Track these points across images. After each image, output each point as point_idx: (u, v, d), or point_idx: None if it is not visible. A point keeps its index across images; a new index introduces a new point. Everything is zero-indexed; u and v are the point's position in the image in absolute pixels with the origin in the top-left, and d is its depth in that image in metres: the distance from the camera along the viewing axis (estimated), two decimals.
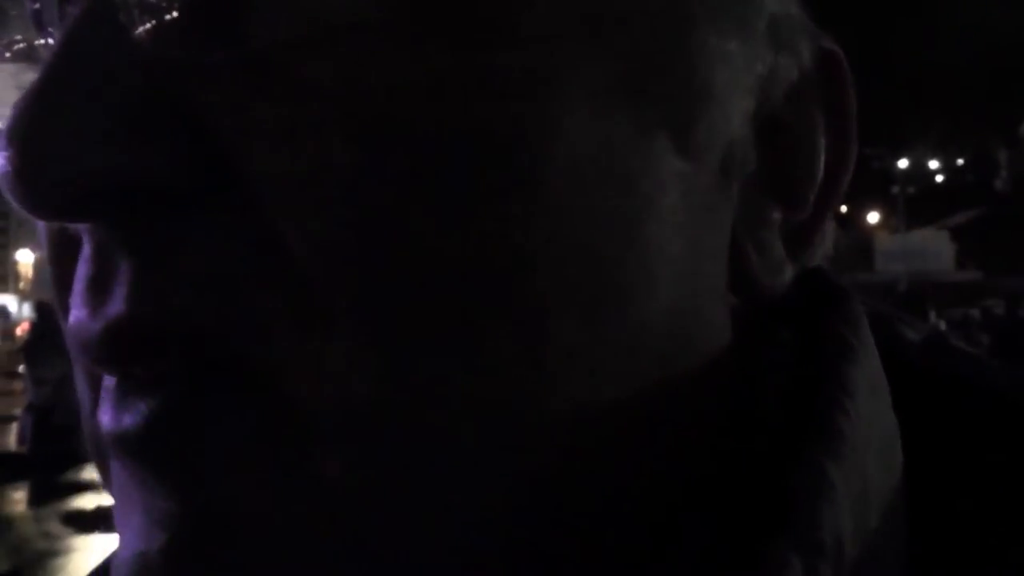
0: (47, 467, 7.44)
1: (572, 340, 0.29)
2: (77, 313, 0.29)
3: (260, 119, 0.27)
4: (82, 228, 0.29)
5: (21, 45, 0.34)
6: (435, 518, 0.29)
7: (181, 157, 0.27)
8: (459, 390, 0.28)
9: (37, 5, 0.32)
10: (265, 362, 0.28)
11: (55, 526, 6.14)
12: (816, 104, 0.35)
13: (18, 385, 9.52)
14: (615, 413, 0.30)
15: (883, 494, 0.33)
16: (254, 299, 0.27)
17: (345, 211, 0.27)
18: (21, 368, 9.52)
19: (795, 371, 0.35)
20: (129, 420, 0.28)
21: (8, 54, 0.34)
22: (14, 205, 0.28)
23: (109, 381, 0.29)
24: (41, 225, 0.32)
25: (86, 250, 0.29)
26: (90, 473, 7.02)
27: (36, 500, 6.86)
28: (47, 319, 8.49)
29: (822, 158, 0.35)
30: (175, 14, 0.28)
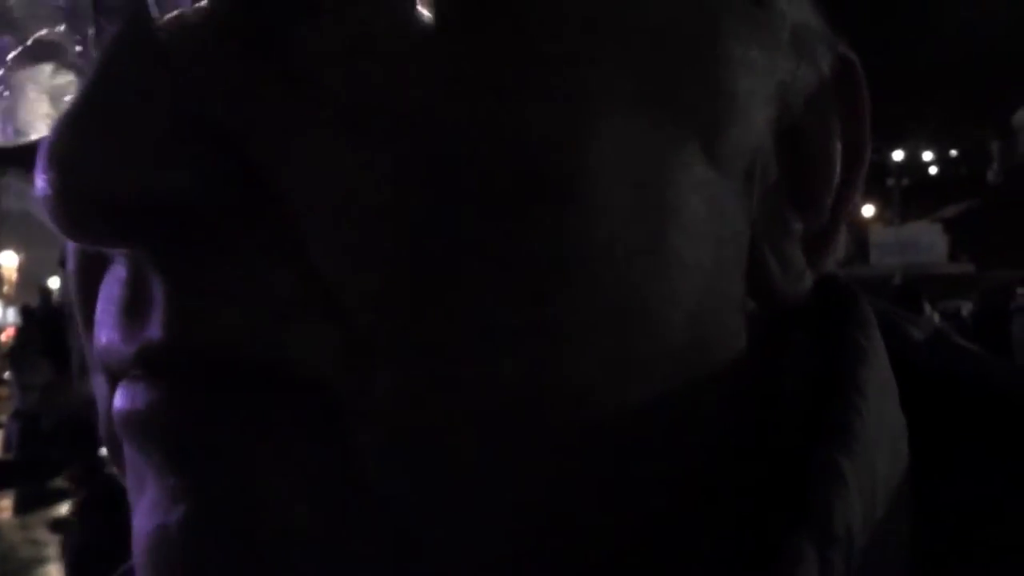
0: (34, 474, 7.40)
1: (600, 348, 0.30)
2: (109, 334, 0.29)
3: (298, 141, 0.28)
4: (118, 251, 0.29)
5: (42, 34, 0.33)
6: (468, 526, 0.30)
7: (220, 180, 0.28)
8: (495, 402, 0.29)
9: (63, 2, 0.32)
10: (306, 379, 0.28)
11: (42, 533, 6.10)
12: (833, 110, 0.35)
13: (4, 391, 9.44)
14: (637, 417, 0.31)
15: (890, 487, 0.34)
16: (294, 324, 0.28)
17: (383, 233, 0.28)
18: (7, 374, 9.47)
19: (808, 372, 0.36)
20: (141, 401, 0.29)
21: (22, 48, 0.34)
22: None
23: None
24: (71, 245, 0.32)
25: (119, 271, 0.30)
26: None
27: (23, 507, 6.81)
28: (33, 324, 8.45)
29: (839, 164, 0.35)
30: (214, 34, 0.28)
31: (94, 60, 0.29)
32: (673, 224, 0.31)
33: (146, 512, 0.30)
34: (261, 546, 0.29)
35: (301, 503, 0.29)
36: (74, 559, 4.35)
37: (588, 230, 0.29)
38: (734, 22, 0.33)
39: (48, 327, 7.96)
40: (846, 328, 0.37)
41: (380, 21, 0.28)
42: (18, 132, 0.34)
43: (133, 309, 0.29)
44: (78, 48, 0.33)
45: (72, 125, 0.27)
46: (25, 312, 8.69)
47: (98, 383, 0.32)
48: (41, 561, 5.58)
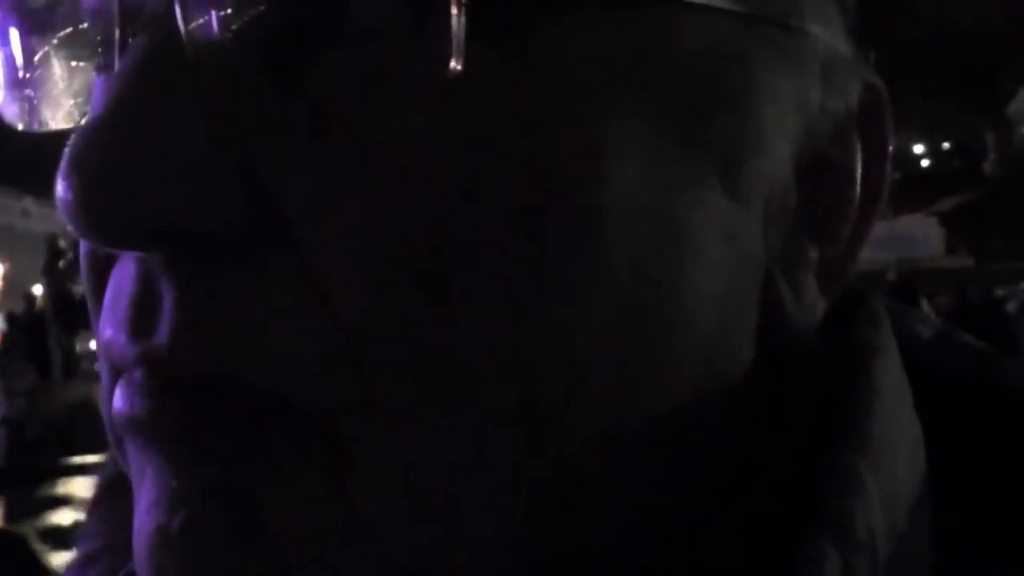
0: (22, 482, 7.33)
1: (607, 376, 0.30)
2: (114, 329, 0.30)
3: (314, 171, 0.28)
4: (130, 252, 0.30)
5: (93, 46, 0.33)
6: (462, 549, 0.30)
7: (237, 206, 0.28)
8: (500, 427, 0.29)
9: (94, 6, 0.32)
10: (307, 401, 0.28)
11: (32, 543, 6.02)
12: (857, 141, 0.35)
13: None
14: (644, 439, 0.31)
15: (912, 495, 0.34)
16: (299, 349, 0.28)
17: (394, 267, 0.28)
18: None
19: (822, 373, 0.35)
20: (138, 403, 0.29)
21: (72, 48, 0.34)
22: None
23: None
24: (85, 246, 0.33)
25: (130, 268, 0.30)
26: (66, 487, 6.92)
27: (11, 516, 6.73)
28: (18, 330, 8.39)
29: (859, 195, 0.35)
30: (240, 61, 0.28)
31: (118, 67, 0.29)
32: (690, 255, 0.31)
33: (147, 511, 0.30)
34: (256, 553, 0.29)
35: (294, 518, 0.29)
36: None
37: (603, 262, 0.29)
38: (762, 53, 0.32)
39: (32, 333, 7.90)
40: (858, 327, 0.36)
41: (400, 59, 0.28)
42: (39, 124, 0.35)
43: (140, 308, 0.30)
44: (100, 48, 0.32)
45: (97, 134, 0.28)
46: (10, 319, 8.64)
47: (102, 372, 0.33)
48: None
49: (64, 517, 6.56)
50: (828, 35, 0.34)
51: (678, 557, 0.33)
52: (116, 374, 0.31)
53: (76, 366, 8.09)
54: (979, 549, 0.35)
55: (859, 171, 0.35)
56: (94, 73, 0.33)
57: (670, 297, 0.31)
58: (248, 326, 0.28)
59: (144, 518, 0.30)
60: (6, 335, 8.68)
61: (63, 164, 0.28)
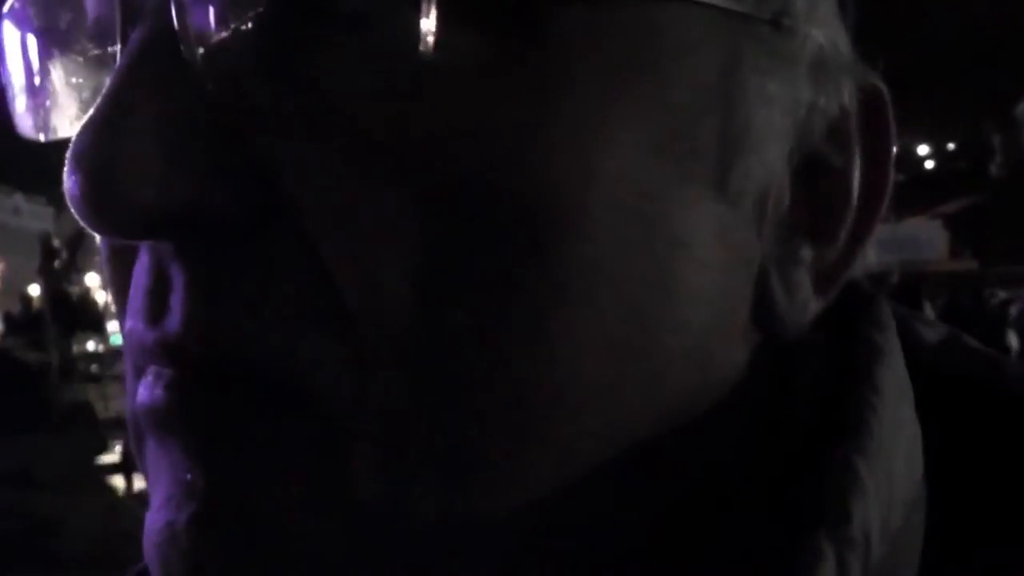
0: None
1: (599, 375, 0.30)
2: (133, 322, 0.31)
3: (319, 164, 0.29)
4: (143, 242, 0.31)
5: (96, 52, 0.34)
6: (460, 542, 0.30)
7: (242, 194, 0.29)
8: (491, 422, 0.29)
9: (97, 15, 0.33)
10: (310, 389, 0.29)
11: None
12: (855, 141, 0.35)
13: None
14: (640, 433, 0.32)
15: (906, 495, 0.34)
16: (303, 334, 0.29)
17: (395, 256, 0.29)
18: None
19: (827, 373, 0.36)
20: (159, 393, 0.30)
21: (83, 59, 0.34)
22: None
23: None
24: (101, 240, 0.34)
25: (144, 260, 0.31)
26: None
27: None
28: (14, 330, 8.33)
29: (856, 195, 0.35)
30: (243, 56, 0.29)
31: (118, 63, 0.30)
32: (679, 255, 0.31)
33: (158, 508, 0.31)
34: (260, 550, 0.30)
35: (297, 513, 0.29)
36: None
37: (592, 261, 0.30)
38: (753, 53, 0.32)
39: (29, 333, 7.85)
40: (863, 327, 0.37)
41: (386, 47, 0.28)
42: (49, 132, 0.35)
43: (154, 296, 0.30)
44: (102, 51, 0.33)
45: (99, 128, 0.28)
46: (6, 319, 8.59)
47: (127, 369, 0.33)
48: None
49: None
50: (821, 35, 0.34)
51: (680, 552, 0.33)
52: (139, 372, 0.32)
53: (74, 368, 8.02)
54: (972, 550, 0.35)
55: (857, 172, 0.35)
56: (100, 75, 0.34)
57: (660, 295, 0.31)
58: (254, 309, 0.29)
59: (155, 515, 0.31)
60: (2, 336, 8.64)
61: (68, 160, 0.28)
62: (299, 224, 0.29)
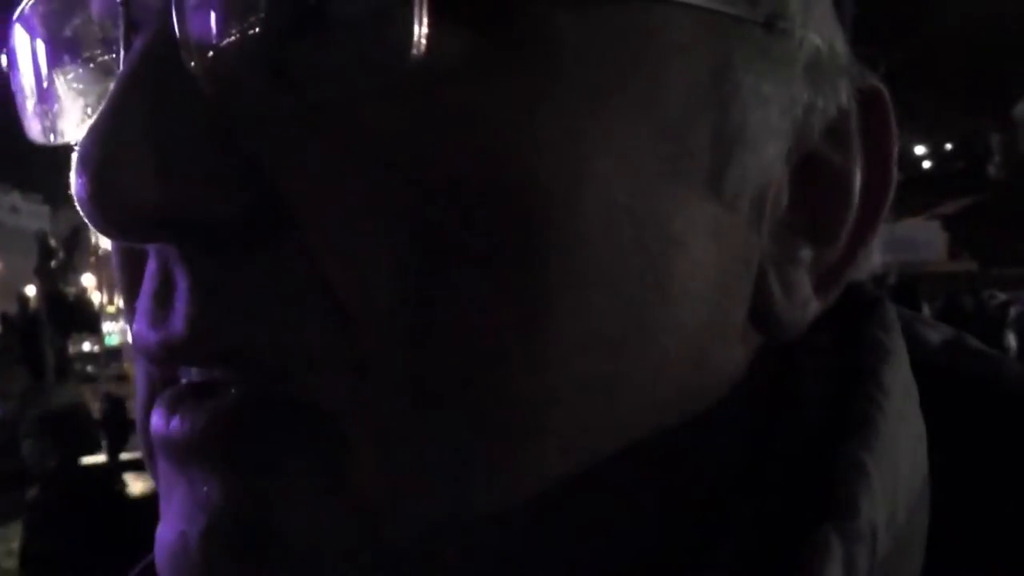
0: (14, 484, 7.28)
1: (595, 374, 0.30)
2: (139, 324, 0.32)
3: (314, 167, 0.29)
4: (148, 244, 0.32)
5: (103, 59, 0.35)
6: (466, 538, 0.30)
7: (240, 197, 0.29)
8: (487, 422, 0.30)
9: (104, 27, 0.34)
10: (309, 392, 0.30)
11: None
12: (855, 141, 0.35)
13: None
14: (644, 429, 0.32)
15: (911, 492, 0.34)
16: (301, 336, 0.29)
17: (390, 257, 0.29)
18: None
19: (832, 373, 0.36)
20: (175, 425, 0.31)
21: (91, 66, 0.35)
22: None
23: (163, 388, 0.32)
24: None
25: (151, 263, 0.32)
26: None
27: (3, 518, 6.68)
28: (11, 331, 8.33)
29: (857, 195, 0.35)
30: (242, 61, 0.29)
31: (121, 68, 0.30)
32: (674, 255, 0.31)
33: (171, 520, 0.31)
34: (269, 561, 0.30)
35: (301, 518, 0.30)
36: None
37: (584, 260, 0.30)
38: (747, 54, 0.32)
39: (25, 335, 7.84)
40: (868, 328, 0.37)
41: (378, 48, 0.28)
42: (56, 136, 0.36)
43: (159, 298, 0.31)
44: (108, 57, 0.34)
45: (102, 134, 0.29)
46: (3, 320, 8.56)
47: (138, 373, 0.34)
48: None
49: None
50: (817, 37, 0.34)
51: (685, 549, 0.33)
52: (153, 386, 0.33)
53: (69, 368, 8.03)
54: (976, 548, 0.36)
55: (858, 173, 0.35)
56: (106, 80, 0.35)
57: (654, 294, 0.31)
58: (254, 309, 0.30)
59: (167, 527, 0.32)
60: (0, 337, 8.62)
61: (75, 163, 0.29)
62: (296, 226, 0.29)
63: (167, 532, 0.31)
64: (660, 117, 0.31)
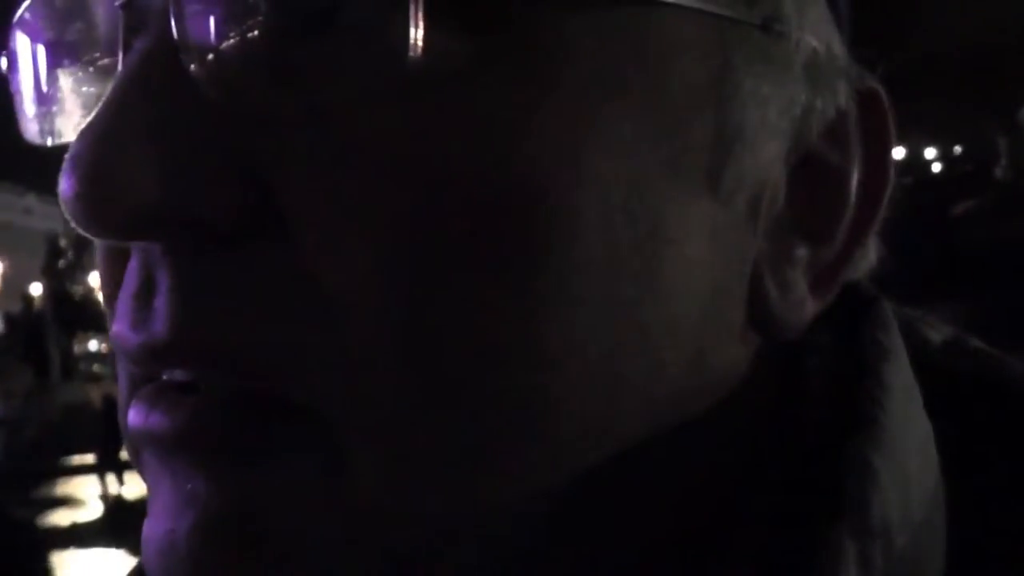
0: (19, 483, 7.30)
1: (592, 373, 0.30)
2: (119, 325, 0.31)
3: (311, 169, 0.29)
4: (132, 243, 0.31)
5: (104, 62, 0.35)
6: (462, 539, 0.30)
7: (233, 199, 0.29)
8: (483, 422, 0.29)
9: (106, 29, 0.34)
10: (298, 390, 0.29)
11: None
12: (853, 142, 0.35)
13: None
14: (642, 428, 0.32)
15: (924, 489, 0.34)
16: (289, 335, 0.29)
17: (384, 259, 0.29)
18: None
19: (833, 374, 0.36)
20: (155, 420, 0.31)
21: (92, 69, 0.35)
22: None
23: (144, 385, 0.32)
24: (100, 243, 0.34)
25: (132, 263, 0.31)
26: (64, 488, 6.91)
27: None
28: (16, 331, 8.34)
29: (853, 195, 0.35)
30: (234, 62, 0.29)
31: (119, 70, 0.30)
32: (669, 254, 0.31)
33: (158, 516, 0.31)
34: (259, 556, 0.30)
35: (295, 517, 0.30)
36: None
37: (581, 260, 0.30)
38: (745, 56, 0.32)
39: (30, 334, 7.86)
40: (867, 328, 0.37)
41: (376, 51, 0.28)
42: (54, 137, 0.36)
43: (140, 300, 0.31)
44: (109, 60, 0.34)
45: (97, 133, 0.29)
46: (7, 319, 8.58)
47: (120, 373, 0.34)
48: (29, 572, 5.45)
49: (62, 518, 6.53)
50: (814, 39, 0.34)
51: (693, 550, 0.33)
52: (134, 384, 0.33)
53: (74, 367, 8.04)
54: (990, 545, 0.36)
55: (855, 173, 0.35)
56: (106, 83, 0.34)
57: (650, 294, 0.31)
58: (241, 312, 0.29)
59: (154, 522, 0.31)
60: (3, 336, 8.64)
61: (65, 163, 0.29)
62: (288, 228, 0.29)
63: (154, 528, 0.31)
64: (659, 118, 0.31)
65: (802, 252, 0.35)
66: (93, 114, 0.30)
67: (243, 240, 0.29)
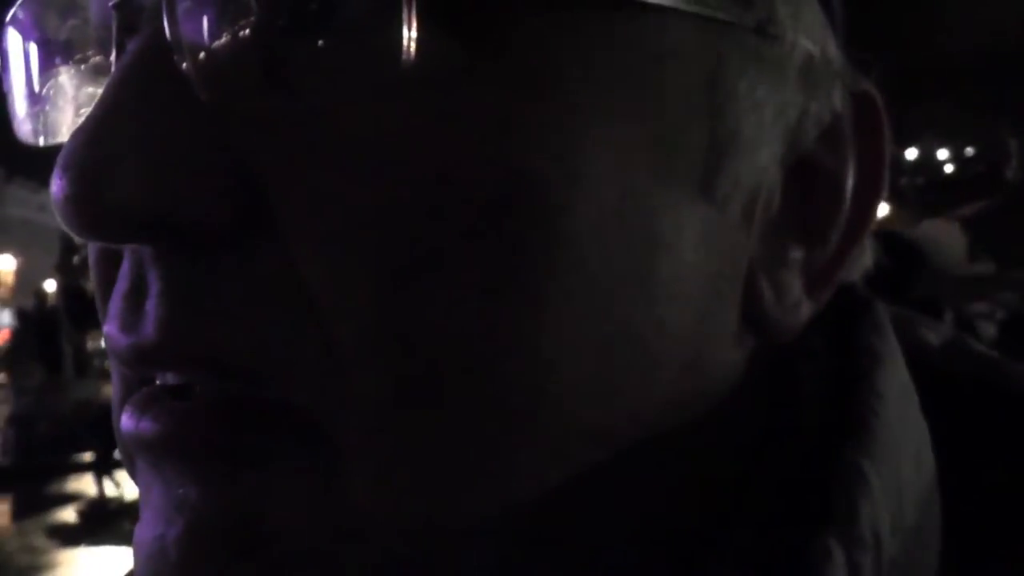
0: (31, 479, 7.32)
1: (584, 376, 0.30)
2: (109, 327, 0.32)
3: (303, 170, 0.29)
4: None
5: (97, 59, 0.35)
6: (451, 543, 0.30)
7: (225, 201, 0.29)
8: (475, 425, 0.30)
9: (100, 31, 0.34)
10: (288, 393, 0.29)
11: (39, 539, 6.03)
12: (848, 145, 0.35)
13: (0, 395, 9.36)
14: (633, 432, 0.32)
15: (918, 494, 0.35)
16: (278, 338, 0.29)
17: (376, 262, 0.29)
18: (2, 378, 9.37)
19: (827, 379, 0.36)
20: (146, 425, 0.31)
21: (84, 67, 0.35)
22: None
23: (138, 389, 0.32)
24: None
25: (124, 265, 0.31)
26: (74, 485, 6.92)
27: (19, 513, 6.74)
28: (28, 327, 8.35)
29: (848, 199, 0.35)
30: (227, 61, 0.29)
31: (112, 71, 0.31)
32: (663, 258, 0.31)
33: (148, 521, 0.31)
34: (253, 560, 0.30)
35: (290, 519, 0.29)
36: None
37: (573, 263, 0.30)
38: (740, 60, 0.32)
39: (42, 330, 7.86)
40: (861, 332, 0.37)
41: (370, 53, 0.28)
42: (47, 137, 0.36)
43: (130, 302, 0.31)
44: (103, 60, 0.34)
45: (88, 134, 0.29)
46: (20, 315, 8.58)
47: (114, 380, 0.34)
48: (39, 568, 5.49)
49: (72, 515, 6.54)
50: (809, 42, 0.34)
51: (683, 555, 0.33)
52: (127, 387, 0.33)
53: (87, 364, 8.05)
54: (989, 546, 0.36)
55: (850, 176, 0.35)
56: (99, 83, 0.35)
57: (643, 297, 0.31)
58: (230, 314, 0.29)
59: (144, 528, 0.31)
60: (16, 332, 8.64)
61: (59, 162, 0.29)
62: (279, 230, 0.29)
63: (144, 533, 0.31)
64: (652, 122, 0.31)
65: (797, 254, 0.35)
66: (88, 115, 0.30)
67: (235, 242, 0.29)
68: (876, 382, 0.35)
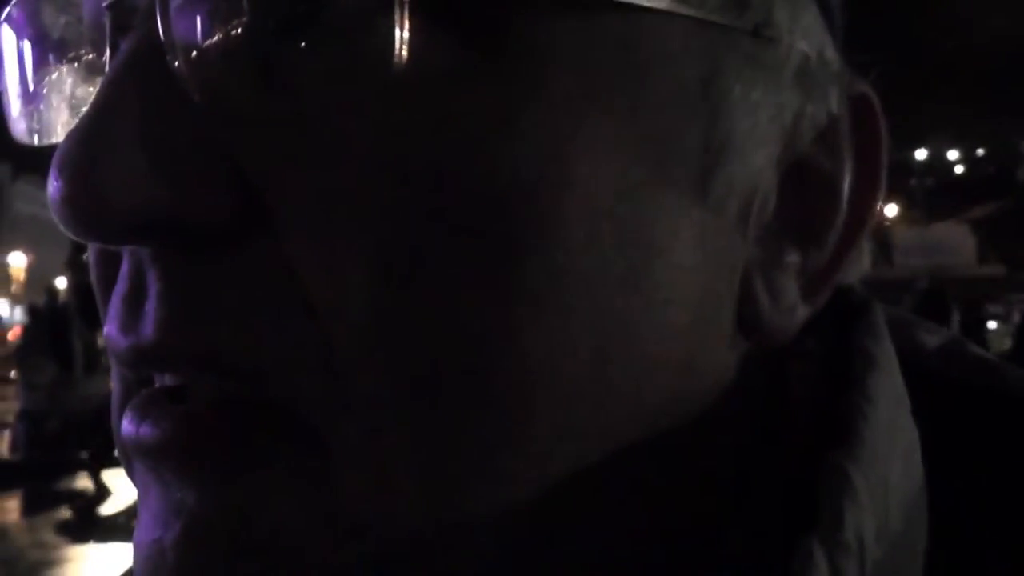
0: (41, 475, 7.34)
1: (577, 378, 0.30)
2: (109, 327, 0.31)
3: (297, 171, 0.29)
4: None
5: (91, 58, 0.35)
6: (448, 543, 0.30)
7: (220, 202, 0.29)
8: (468, 428, 0.29)
9: (93, 32, 0.34)
10: (284, 394, 0.29)
11: (49, 535, 6.04)
12: (845, 148, 0.35)
13: (11, 391, 9.38)
14: (625, 434, 0.32)
15: (905, 499, 0.34)
16: (275, 339, 0.29)
17: (370, 263, 0.29)
18: (13, 374, 9.40)
19: (820, 381, 0.36)
20: (145, 431, 0.30)
21: (76, 64, 0.35)
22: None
23: (138, 391, 0.32)
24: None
25: (123, 266, 0.31)
26: (84, 481, 6.93)
27: (30, 509, 6.75)
28: (39, 323, 8.37)
29: (845, 202, 0.35)
30: (219, 62, 0.29)
31: (106, 71, 0.31)
32: (658, 260, 0.31)
33: (147, 524, 0.31)
34: (248, 565, 0.30)
35: (284, 519, 0.29)
36: None
37: (566, 264, 0.30)
38: (736, 62, 0.32)
39: (54, 327, 7.88)
40: (856, 335, 0.37)
41: (363, 53, 0.28)
42: (42, 136, 0.36)
43: (129, 302, 0.31)
44: (97, 58, 0.34)
45: (84, 136, 0.29)
46: (31, 311, 8.59)
47: (113, 376, 0.34)
48: (48, 564, 5.49)
49: (83, 511, 6.55)
50: (805, 44, 0.34)
51: (673, 557, 0.33)
52: (127, 388, 0.33)
53: (98, 360, 8.06)
54: (977, 551, 0.36)
55: (847, 178, 0.35)
56: (93, 82, 0.35)
57: (636, 300, 0.31)
58: (228, 312, 0.29)
59: (143, 531, 0.31)
60: (27, 328, 8.66)
61: (54, 164, 0.29)
62: (275, 231, 0.29)
63: (143, 536, 0.31)
64: (647, 124, 0.31)
65: (793, 257, 0.35)
66: (82, 116, 0.30)
67: (232, 242, 0.29)
68: (867, 386, 0.35)
